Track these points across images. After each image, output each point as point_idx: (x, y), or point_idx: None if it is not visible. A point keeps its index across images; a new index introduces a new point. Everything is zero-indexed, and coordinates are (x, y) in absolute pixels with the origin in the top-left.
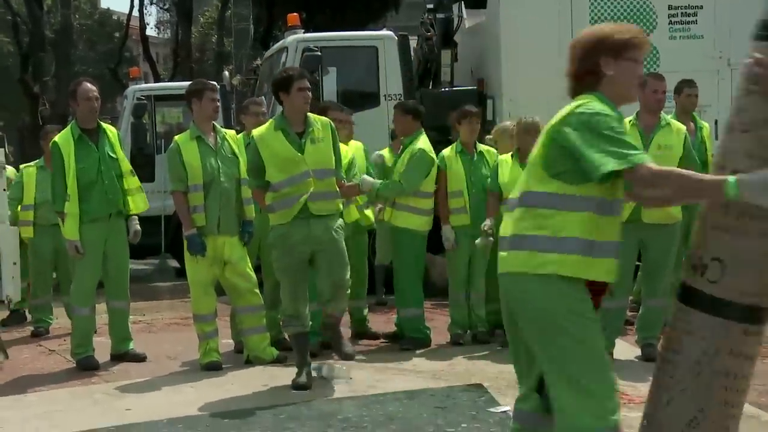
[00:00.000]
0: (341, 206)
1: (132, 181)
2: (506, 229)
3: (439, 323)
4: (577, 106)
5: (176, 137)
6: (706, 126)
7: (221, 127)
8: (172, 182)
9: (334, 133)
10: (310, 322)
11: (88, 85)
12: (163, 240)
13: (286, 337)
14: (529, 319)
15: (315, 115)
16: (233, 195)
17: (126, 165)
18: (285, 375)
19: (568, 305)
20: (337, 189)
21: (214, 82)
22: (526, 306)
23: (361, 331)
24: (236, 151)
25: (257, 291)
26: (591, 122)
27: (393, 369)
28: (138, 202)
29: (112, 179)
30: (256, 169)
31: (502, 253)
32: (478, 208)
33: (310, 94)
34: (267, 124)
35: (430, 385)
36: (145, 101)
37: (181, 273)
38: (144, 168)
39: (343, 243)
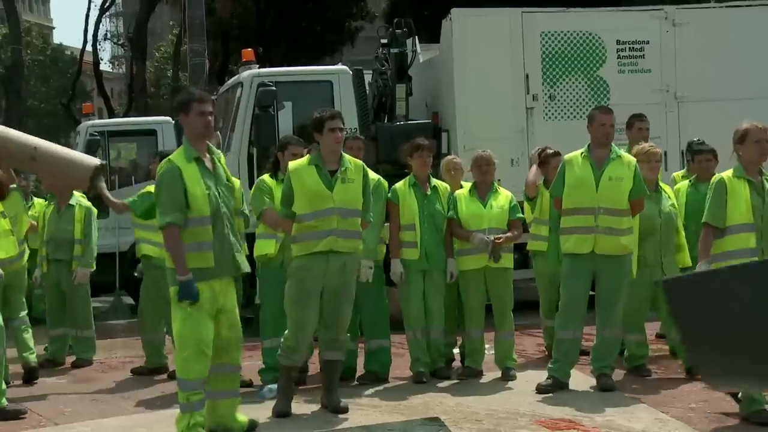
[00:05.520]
0: (361, 246)
1: (2, 224)
2: None
3: (395, 357)
4: None
5: (170, 157)
6: None
7: None
8: (167, 213)
9: (366, 176)
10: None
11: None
12: (117, 277)
13: None
14: None
15: (350, 157)
16: (234, 229)
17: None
18: (241, 412)
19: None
20: (360, 229)
21: (206, 93)
22: None
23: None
24: (231, 176)
25: (241, 345)
26: None
27: (350, 404)
28: (6, 246)
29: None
30: (287, 197)
31: None
32: (429, 243)
33: (342, 134)
34: (304, 158)
35: (387, 419)
36: (98, 137)
37: (135, 310)
38: (99, 204)
39: (354, 283)
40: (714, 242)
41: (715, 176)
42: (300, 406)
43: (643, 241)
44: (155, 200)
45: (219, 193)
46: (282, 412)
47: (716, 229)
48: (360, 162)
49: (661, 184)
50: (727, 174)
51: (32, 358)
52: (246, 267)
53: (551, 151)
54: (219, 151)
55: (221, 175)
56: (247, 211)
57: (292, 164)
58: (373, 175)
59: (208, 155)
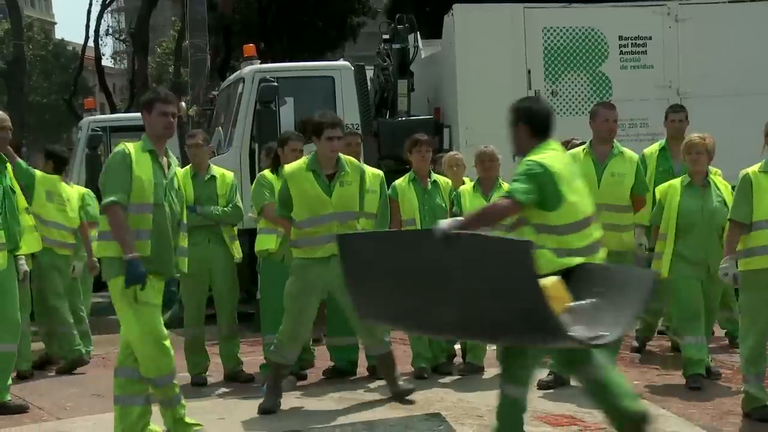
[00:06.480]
0: None
1: (26, 219)
2: None
3: (396, 352)
4: None
5: (124, 142)
6: None
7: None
8: (112, 192)
9: (363, 177)
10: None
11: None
12: None
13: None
14: None
15: (347, 158)
16: (178, 237)
17: (23, 201)
18: (243, 407)
19: None
20: (358, 230)
21: (172, 94)
22: None
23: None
24: (182, 187)
25: None
26: None
27: (351, 399)
28: (30, 242)
29: (15, 213)
30: (284, 201)
31: None
32: None
33: (339, 142)
34: (300, 162)
35: (389, 414)
36: (100, 132)
37: None
38: (100, 199)
39: None
40: (741, 238)
41: (741, 172)
42: (302, 401)
43: (680, 237)
44: (102, 184)
45: (167, 194)
46: (267, 410)
47: (742, 225)
48: (356, 162)
49: (713, 177)
50: (753, 169)
51: (26, 366)
52: (185, 267)
53: (578, 142)
54: (176, 160)
55: (173, 182)
56: (241, 205)
57: (288, 168)
58: (375, 171)
59: (165, 159)
